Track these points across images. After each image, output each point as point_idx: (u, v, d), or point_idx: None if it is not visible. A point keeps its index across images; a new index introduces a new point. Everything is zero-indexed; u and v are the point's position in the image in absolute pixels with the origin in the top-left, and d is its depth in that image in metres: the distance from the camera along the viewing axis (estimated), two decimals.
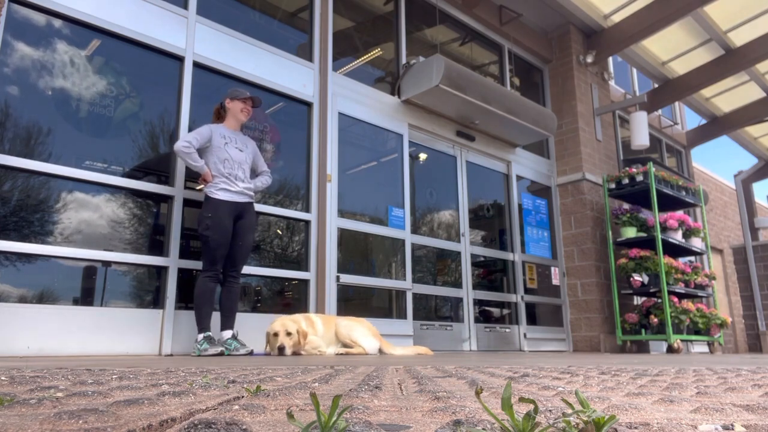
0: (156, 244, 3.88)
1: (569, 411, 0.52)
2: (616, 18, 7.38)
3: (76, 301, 3.47)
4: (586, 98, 7.51)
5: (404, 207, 5.47)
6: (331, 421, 0.45)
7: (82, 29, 3.74)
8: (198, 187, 3.83)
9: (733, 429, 0.52)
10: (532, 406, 0.47)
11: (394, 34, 6.03)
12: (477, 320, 6.00)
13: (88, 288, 3.55)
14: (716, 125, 9.87)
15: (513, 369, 1.54)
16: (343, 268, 4.81)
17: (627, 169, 6.98)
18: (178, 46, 4.16)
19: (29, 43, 3.51)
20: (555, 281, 7.04)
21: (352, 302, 4.91)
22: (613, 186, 6.94)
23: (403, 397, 0.79)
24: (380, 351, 4.04)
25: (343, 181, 5.01)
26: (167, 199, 3.93)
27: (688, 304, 6.57)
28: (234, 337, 3.63)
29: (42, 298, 3.35)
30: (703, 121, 10.00)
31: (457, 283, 5.95)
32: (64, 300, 3.42)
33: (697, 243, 7.21)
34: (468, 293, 5.97)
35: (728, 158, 41.44)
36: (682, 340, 6.49)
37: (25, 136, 3.39)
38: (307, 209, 4.76)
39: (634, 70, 9.16)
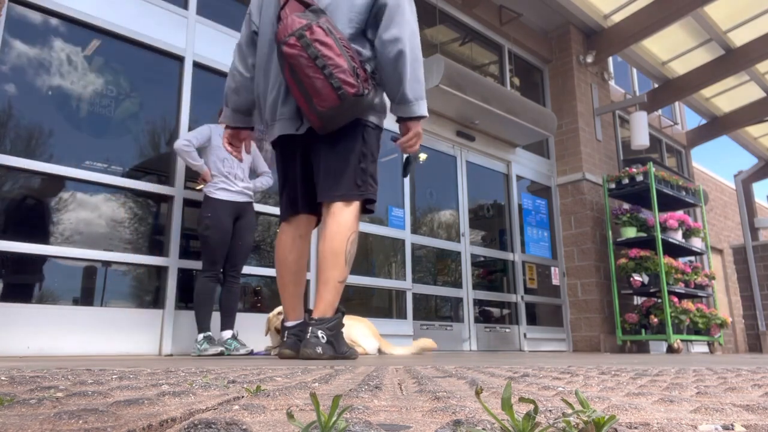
0: (156, 244, 3.88)
1: (569, 411, 0.52)
2: (616, 18, 7.38)
3: (76, 301, 3.48)
4: (586, 98, 7.51)
5: (404, 207, 5.47)
6: (331, 421, 0.45)
7: (82, 29, 3.74)
8: (198, 187, 3.82)
9: (733, 429, 0.52)
10: (532, 406, 0.47)
11: None
12: (477, 320, 6.00)
13: (88, 288, 3.55)
14: (716, 125, 9.87)
15: (513, 369, 1.54)
16: None
17: (627, 169, 6.98)
18: (178, 46, 4.16)
19: (29, 42, 3.51)
20: (555, 281, 7.05)
21: (352, 302, 4.91)
22: (613, 186, 6.95)
23: (403, 397, 0.79)
24: (380, 351, 4.04)
25: None
26: (167, 199, 3.93)
27: (688, 304, 6.57)
28: (234, 337, 3.63)
29: (42, 298, 3.35)
30: (703, 121, 10.00)
31: (457, 283, 5.95)
32: (64, 300, 3.42)
33: (697, 243, 7.21)
34: (468, 293, 5.97)
35: (728, 158, 41.50)
36: (682, 340, 6.49)
37: (25, 136, 3.39)
38: None
39: (634, 70, 9.16)
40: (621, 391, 0.90)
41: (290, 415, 0.47)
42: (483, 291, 6.21)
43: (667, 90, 8.61)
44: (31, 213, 3.41)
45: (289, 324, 2.70)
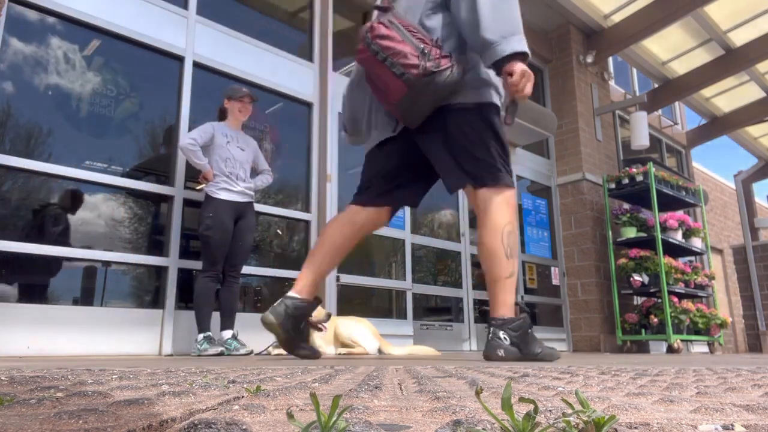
0: (156, 244, 3.88)
1: (569, 411, 0.52)
2: (616, 18, 7.37)
3: (76, 301, 3.48)
4: (586, 98, 7.51)
5: (404, 207, 5.47)
6: (331, 421, 0.45)
7: (82, 29, 3.74)
8: (198, 188, 3.82)
9: (733, 429, 0.52)
10: (532, 406, 0.47)
11: None
12: (477, 320, 6.00)
13: (88, 288, 3.55)
14: (716, 125, 9.87)
15: (513, 369, 1.54)
16: (343, 268, 4.81)
17: (627, 169, 6.98)
18: (178, 46, 4.16)
19: (29, 42, 3.51)
20: (555, 281, 7.05)
21: (352, 302, 4.91)
22: (613, 186, 6.94)
23: (403, 397, 0.79)
24: (380, 351, 4.04)
25: (343, 181, 5.01)
26: (167, 199, 3.93)
27: (688, 304, 6.57)
28: (234, 337, 3.63)
29: (42, 298, 3.35)
30: (703, 121, 10.00)
31: (457, 283, 5.95)
32: (64, 300, 3.42)
33: (697, 243, 7.20)
34: (468, 293, 5.97)
35: (728, 158, 41.47)
36: (682, 340, 6.49)
37: (25, 135, 3.39)
38: (307, 209, 4.76)
39: (634, 70, 9.15)
40: (621, 391, 0.90)
41: (290, 415, 0.47)
42: (483, 291, 6.20)
43: (667, 90, 8.61)
44: (31, 213, 3.41)
45: (290, 294, 2.56)
